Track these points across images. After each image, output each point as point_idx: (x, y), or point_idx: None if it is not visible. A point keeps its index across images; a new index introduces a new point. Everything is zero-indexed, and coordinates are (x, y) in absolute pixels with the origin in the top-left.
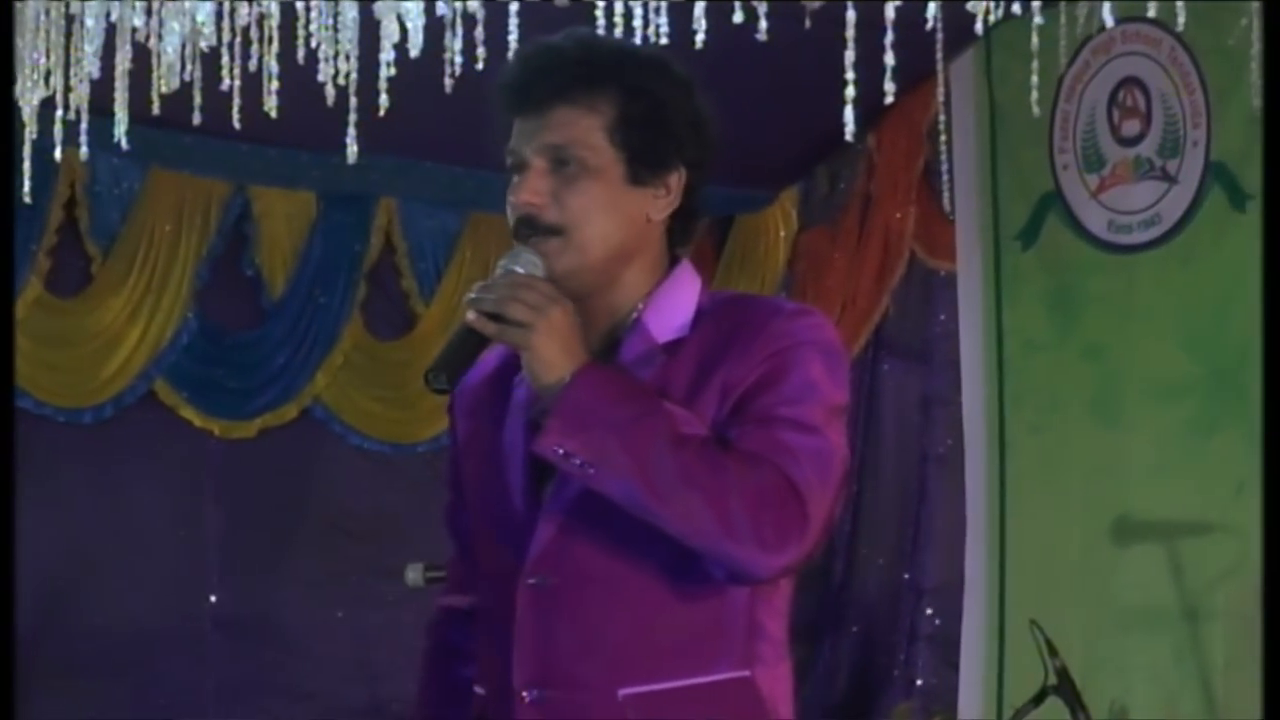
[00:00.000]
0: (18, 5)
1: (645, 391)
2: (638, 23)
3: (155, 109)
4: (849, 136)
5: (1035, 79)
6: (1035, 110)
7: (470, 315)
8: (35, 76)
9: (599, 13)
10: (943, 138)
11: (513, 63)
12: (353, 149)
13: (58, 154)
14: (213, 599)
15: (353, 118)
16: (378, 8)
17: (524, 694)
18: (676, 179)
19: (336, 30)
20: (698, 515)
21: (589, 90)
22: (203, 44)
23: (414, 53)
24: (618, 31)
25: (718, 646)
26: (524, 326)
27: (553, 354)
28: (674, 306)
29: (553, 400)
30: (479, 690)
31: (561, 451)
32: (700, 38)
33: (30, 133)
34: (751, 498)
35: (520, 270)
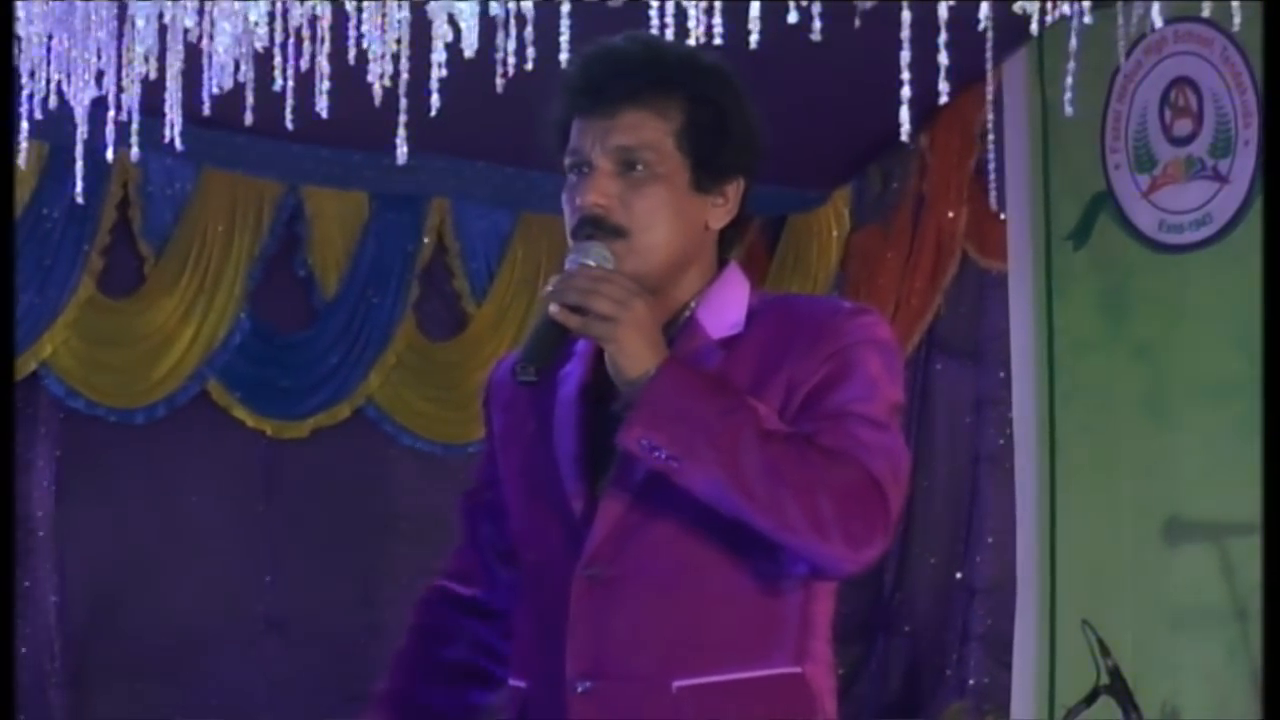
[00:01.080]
0: (66, 6)
1: (730, 387)
2: (692, 22)
3: (207, 109)
4: (905, 136)
5: (1069, 79)
6: (1068, 109)
7: (553, 308)
8: (87, 77)
9: (653, 13)
10: (991, 138)
11: (577, 62)
12: (403, 150)
13: (110, 154)
14: (265, 599)
15: (403, 118)
16: (431, 8)
17: (577, 685)
18: (735, 188)
19: (384, 30)
20: (786, 510)
21: (659, 94)
22: (256, 44)
23: (468, 53)
24: (670, 32)
25: (772, 641)
26: (609, 320)
27: (638, 348)
28: (726, 305)
29: (637, 393)
30: (518, 683)
31: (647, 444)
32: (755, 38)
33: (82, 133)
34: (839, 493)
35: (593, 264)
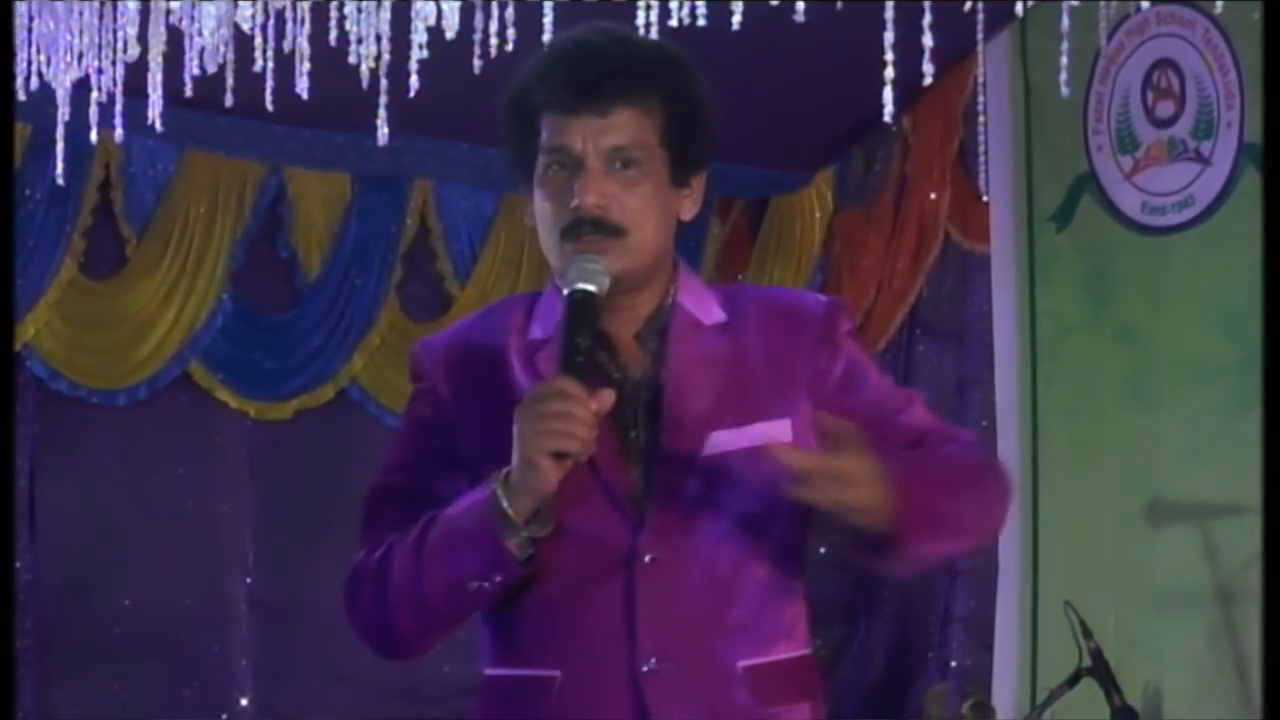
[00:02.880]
0: None
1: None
2: (674, 3)
3: (188, 90)
4: (888, 117)
5: (1065, 60)
6: (1064, 91)
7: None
8: (68, 58)
9: None
10: (981, 119)
11: (555, 60)
12: (383, 131)
13: (93, 136)
14: (248, 580)
15: (383, 99)
16: None
17: (643, 664)
18: (699, 180)
19: (361, 11)
20: (982, 518)
21: (646, 92)
22: (244, 25)
23: (449, 34)
24: (654, 13)
25: (794, 623)
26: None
27: (873, 500)
28: (701, 294)
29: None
30: (543, 673)
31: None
32: (737, 19)
33: (63, 115)
34: (983, 483)
35: (593, 289)
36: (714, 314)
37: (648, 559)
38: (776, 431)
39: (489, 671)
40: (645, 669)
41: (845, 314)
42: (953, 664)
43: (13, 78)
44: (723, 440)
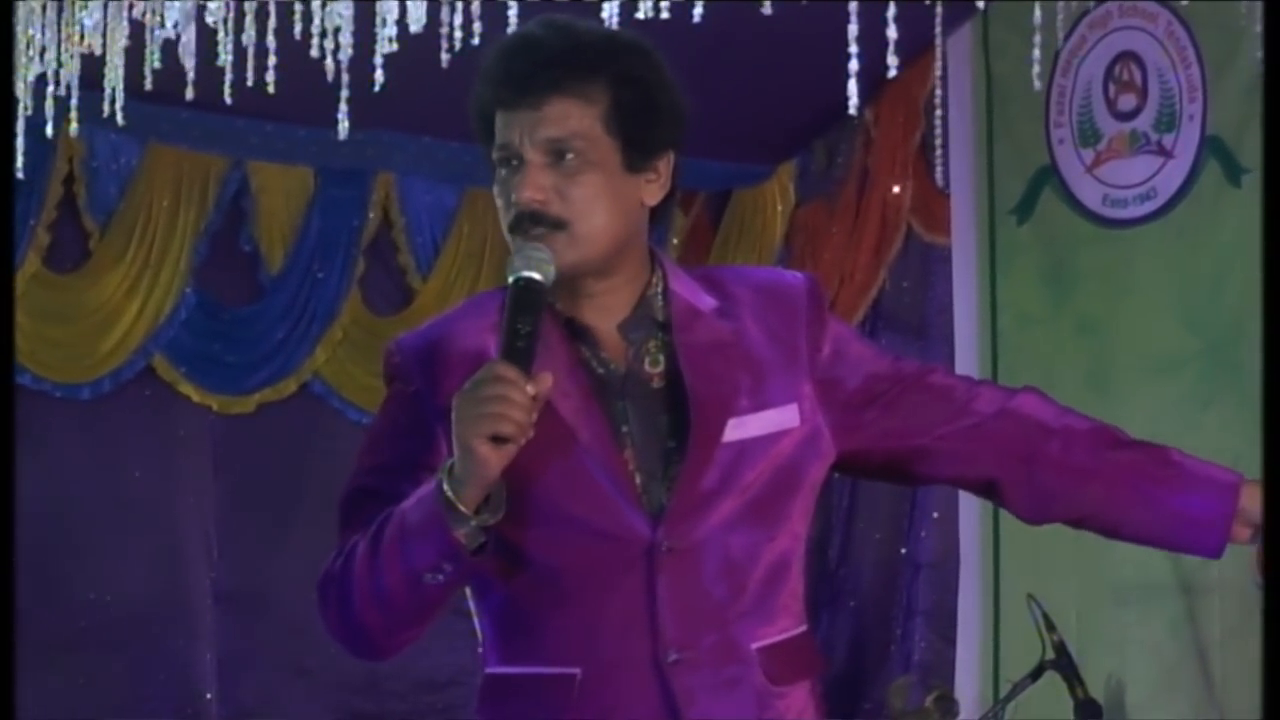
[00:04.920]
0: None
1: None
2: None
3: (149, 84)
4: (852, 109)
5: (1037, 53)
6: (1036, 84)
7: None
8: (30, 52)
9: None
10: (938, 112)
11: (495, 56)
12: (344, 124)
13: (48, 130)
14: (212, 574)
15: (344, 94)
16: None
17: (670, 655)
18: (665, 163)
19: (325, 6)
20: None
21: (582, 80)
22: (210, 20)
23: (415, 28)
24: (616, 4)
25: (796, 599)
26: None
27: None
28: (686, 280)
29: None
30: (564, 671)
31: None
32: (698, 11)
33: (25, 108)
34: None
35: (537, 277)
36: (706, 299)
37: (667, 549)
38: (787, 417)
39: (495, 671)
40: (669, 660)
41: (822, 288)
42: (915, 657)
43: (12, 78)
44: (740, 427)
